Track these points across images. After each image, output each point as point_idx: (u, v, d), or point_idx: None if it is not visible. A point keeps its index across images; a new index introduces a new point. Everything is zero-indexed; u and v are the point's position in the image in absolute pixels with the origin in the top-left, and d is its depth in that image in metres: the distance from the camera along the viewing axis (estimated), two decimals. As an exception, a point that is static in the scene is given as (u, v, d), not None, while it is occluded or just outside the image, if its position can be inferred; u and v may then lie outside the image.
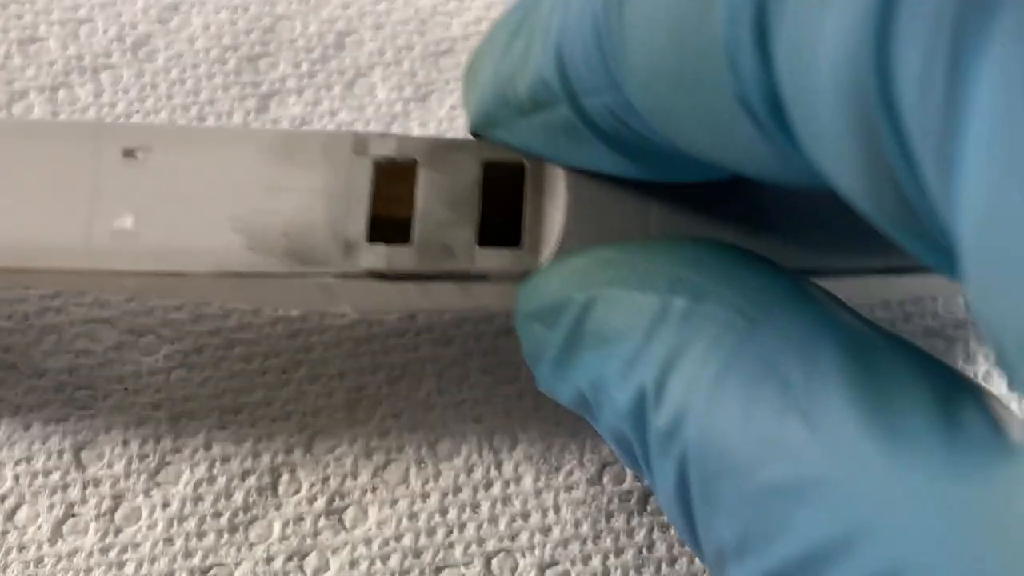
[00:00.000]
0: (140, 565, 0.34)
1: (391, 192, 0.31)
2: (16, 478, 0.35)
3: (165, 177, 0.31)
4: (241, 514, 0.34)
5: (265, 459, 0.35)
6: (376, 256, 0.30)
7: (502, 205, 0.31)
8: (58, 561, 0.34)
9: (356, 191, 0.30)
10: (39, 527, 0.34)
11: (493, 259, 0.30)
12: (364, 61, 0.41)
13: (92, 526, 0.34)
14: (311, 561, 0.34)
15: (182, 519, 0.34)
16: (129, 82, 0.41)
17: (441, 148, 0.31)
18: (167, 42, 0.41)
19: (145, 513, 0.35)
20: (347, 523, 0.34)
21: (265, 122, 0.40)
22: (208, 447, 0.35)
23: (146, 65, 0.41)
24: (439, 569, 0.34)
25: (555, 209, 0.30)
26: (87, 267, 0.30)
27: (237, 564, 0.34)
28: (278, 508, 0.34)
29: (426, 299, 0.32)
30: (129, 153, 0.31)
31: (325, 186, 0.30)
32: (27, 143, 0.32)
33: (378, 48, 0.41)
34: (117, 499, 0.35)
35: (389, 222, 0.31)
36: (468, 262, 0.30)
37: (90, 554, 0.34)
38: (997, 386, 0.34)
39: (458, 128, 0.39)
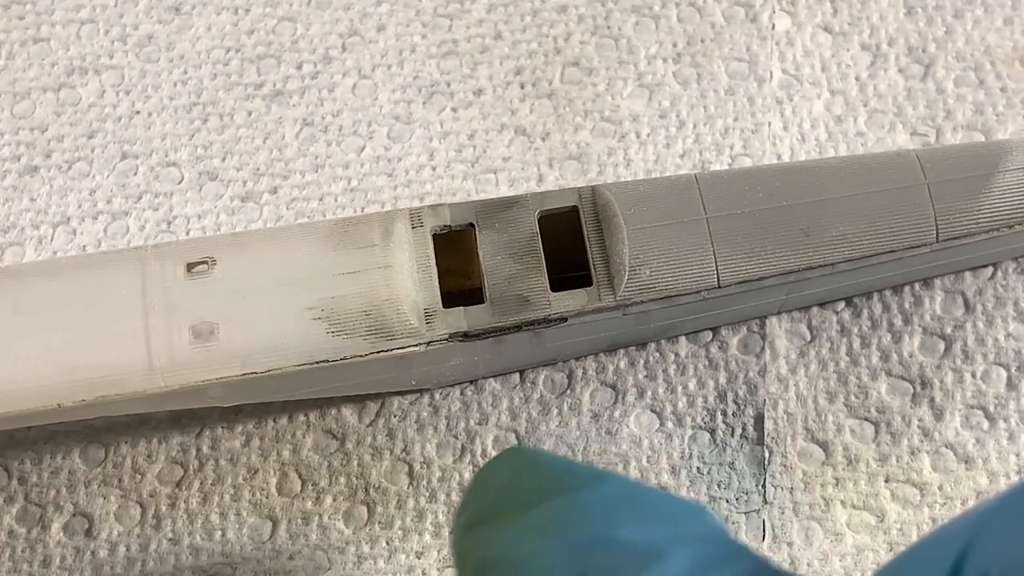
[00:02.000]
0: (145, 564, 0.34)
1: (449, 266, 0.33)
2: (21, 479, 0.35)
3: (234, 283, 0.31)
4: (245, 513, 0.34)
5: (271, 459, 0.35)
6: (456, 319, 0.31)
7: (563, 250, 0.33)
8: (63, 560, 0.34)
9: (422, 262, 0.32)
10: (43, 527, 0.35)
11: (568, 301, 0.32)
12: (366, 62, 0.41)
13: (97, 526, 0.35)
14: (312, 560, 0.34)
15: (189, 519, 0.34)
16: (131, 83, 0.41)
17: (493, 207, 0.33)
18: (169, 43, 0.42)
19: (150, 513, 0.35)
20: (351, 522, 0.34)
21: (267, 122, 0.40)
22: (214, 447, 0.35)
23: (148, 66, 0.41)
24: (440, 570, 0.34)
25: (618, 243, 0.32)
26: (175, 384, 0.30)
27: (239, 564, 0.34)
28: (282, 508, 0.34)
29: (497, 354, 0.33)
30: (193, 267, 0.31)
31: (391, 263, 0.31)
32: (82, 276, 0.31)
33: (380, 50, 0.41)
34: (123, 498, 0.35)
35: (453, 296, 0.32)
36: (545, 308, 0.32)
37: (94, 553, 0.34)
38: (996, 384, 0.35)
39: (459, 128, 0.39)
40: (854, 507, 0.34)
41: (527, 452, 0.26)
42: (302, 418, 0.36)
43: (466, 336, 0.31)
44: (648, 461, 0.34)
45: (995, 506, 0.20)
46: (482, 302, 0.31)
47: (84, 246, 0.38)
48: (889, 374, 0.35)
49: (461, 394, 0.36)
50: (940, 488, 0.34)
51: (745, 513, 0.34)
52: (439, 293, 0.31)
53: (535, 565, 0.22)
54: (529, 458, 0.25)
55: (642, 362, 0.36)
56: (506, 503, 0.24)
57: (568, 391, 0.36)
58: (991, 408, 0.34)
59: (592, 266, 0.32)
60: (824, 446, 0.34)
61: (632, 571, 0.21)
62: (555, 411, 0.35)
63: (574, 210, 0.32)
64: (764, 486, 0.34)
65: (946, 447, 0.34)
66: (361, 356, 0.31)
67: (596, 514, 0.23)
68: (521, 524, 0.23)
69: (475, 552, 0.24)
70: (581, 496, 0.23)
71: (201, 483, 0.35)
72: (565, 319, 0.32)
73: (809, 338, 0.36)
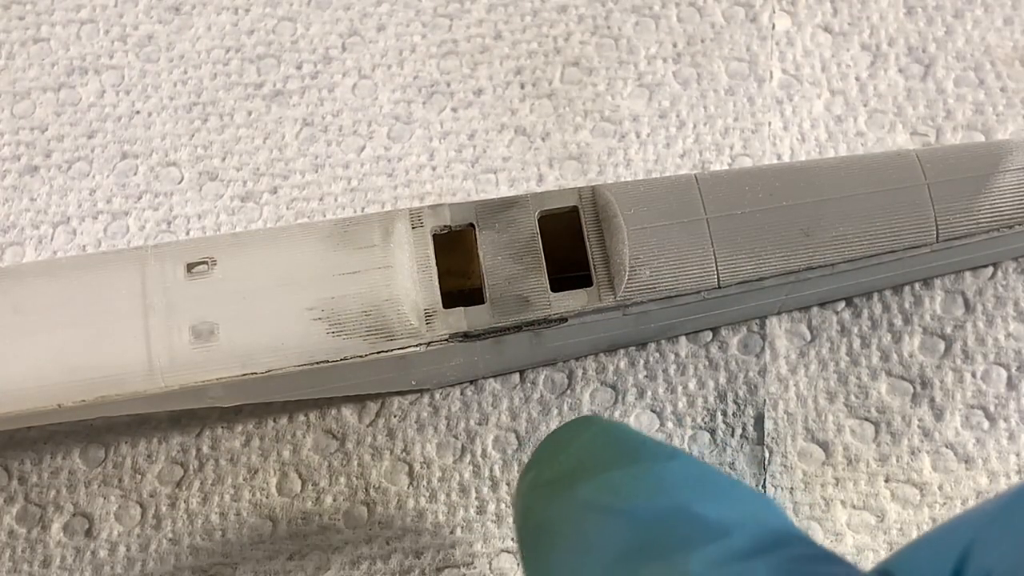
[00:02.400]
0: (145, 564, 0.34)
1: (449, 266, 0.33)
2: (21, 479, 0.35)
3: (234, 283, 0.31)
4: (245, 513, 0.34)
5: (271, 459, 0.35)
6: (456, 319, 0.31)
7: (563, 250, 0.33)
8: (63, 560, 0.34)
9: (422, 263, 0.32)
10: (43, 527, 0.35)
11: (568, 301, 0.32)
12: (366, 62, 0.41)
13: (96, 526, 0.35)
14: (312, 560, 0.34)
15: (189, 519, 0.34)
16: (131, 83, 0.41)
17: (493, 207, 0.33)
18: (169, 43, 0.42)
19: (150, 513, 0.35)
20: (351, 522, 0.34)
21: (267, 122, 0.40)
22: (214, 447, 0.35)
23: (148, 66, 0.41)
24: (439, 569, 0.34)
25: (618, 243, 0.32)
26: (175, 385, 0.30)
27: (239, 564, 0.34)
28: (282, 508, 0.34)
29: (497, 354, 0.33)
30: (193, 267, 0.31)
31: (391, 263, 0.31)
32: (82, 276, 0.31)
33: (380, 50, 0.41)
34: (123, 498, 0.35)
35: (453, 296, 0.32)
36: (545, 308, 0.32)
37: (94, 553, 0.34)
38: (996, 384, 0.35)
39: (459, 128, 0.39)
40: (854, 507, 0.34)
41: (602, 421, 0.26)
42: (302, 418, 0.36)
43: (466, 336, 0.31)
44: (648, 461, 0.34)
45: (999, 506, 0.20)
46: (482, 302, 0.31)
47: (84, 246, 0.38)
48: (889, 374, 0.35)
49: (461, 394, 0.36)
50: (940, 488, 0.34)
51: (745, 513, 0.34)
52: (439, 293, 0.31)
53: (597, 526, 0.22)
54: (604, 427, 0.26)
55: (642, 362, 0.36)
56: (576, 467, 0.24)
57: (568, 391, 0.36)
58: (991, 408, 0.34)
59: (592, 266, 0.32)
60: (824, 446, 0.34)
61: (699, 542, 0.21)
62: (555, 411, 0.35)
63: (574, 210, 0.32)
64: (764, 486, 0.34)
65: (946, 447, 0.34)
66: (361, 356, 0.31)
67: (668, 487, 0.23)
68: (589, 489, 0.23)
69: (537, 511, 0.24)
70: (654, 468, 0.23)
71: (201, 483, 0.35)
72: (565, 319, 0.32)
73: (809, 338, 0.36)
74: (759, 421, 0.35)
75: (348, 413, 0.35)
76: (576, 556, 0.22)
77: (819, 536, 0.33)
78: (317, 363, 0.31)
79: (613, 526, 0.22)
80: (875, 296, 0.36)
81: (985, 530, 0.20)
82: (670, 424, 0.35)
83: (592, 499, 0.23)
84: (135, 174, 0.39)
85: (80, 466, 0.35)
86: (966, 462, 0.34)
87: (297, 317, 0.31)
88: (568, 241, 0.32)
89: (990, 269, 0.36)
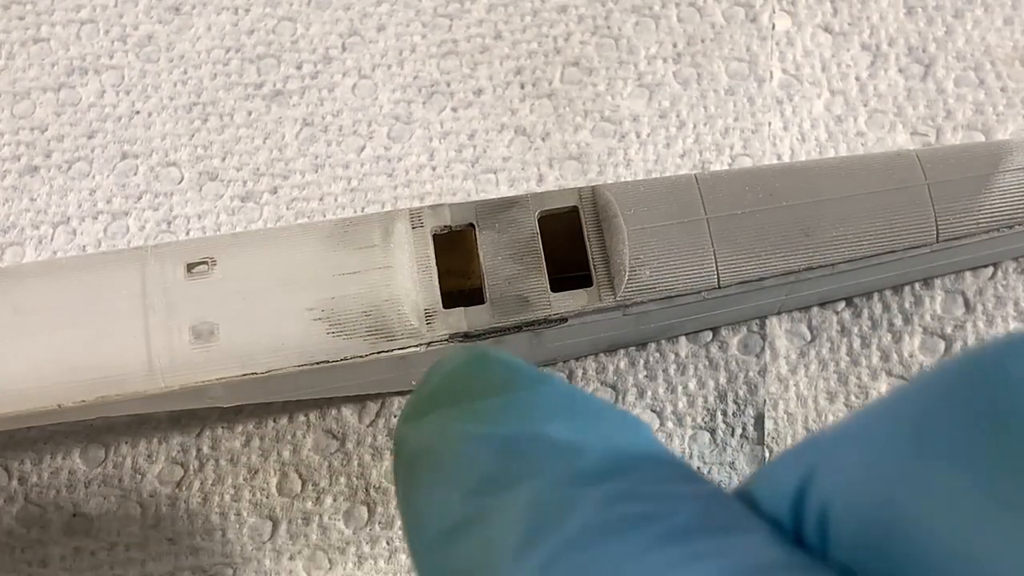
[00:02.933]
0: (144, 564, 0.34)
1: (449, 266, 0.33)
2: (21, 479, 0.35)
3: (234, 283, 0.31)
4: (245, 513, 0.34)
5: (271, 459, 0.35)
6: (456, 319, 0.31)
7: (563, 250, 0.33)
8: (62, 560, 0.34)
9: (422, 263, 0.32)
10: (43, 527, 0.35)
11: (568, 302, 0.32)
12: (366, 62, 0.41)
13: (95, 525, 0.35)
14: (313, 560, 0.34)
15: (189, 519, 0.34)
16: (131, 83, 0.41)
17: (494, 207, 0.33)
18: (169, 43, 0.42)
19: (150, 513, 0.35)
20: (352, 522, 0.34)
21: (267, 122, 0.40)
22: (214, 447, 0.35)
23: (148, 66, 0.41)
24: (441, 568, 0.34)
25: (618, 243, 0.32)
26: (175, 385, 0.30)
27: (239, 564, 0.34)
28: (283, 508, 0.34)
29: None
30: (193, 267, 0.31)
31: (391, 263, 0.31)
32: (82, 277, 0.31)
33: (380, 50, 0.41)
34: (122, 498, 0.35)
35: (453, 296, 0.32)
36: (545, 308, 0.32)
37: (93, 553, 0.34)
38: (996, 386, 0.35)
39: (459, 128, 0.39)
40: (854, 507, 0.34)
41: (479, 352, 0.26)
42: (302, 418, 0.36)
43: (466, 336, 0.31)
44: (648, 461, 0.34)
45: (845, 426, 0.20)
46: (482, 302, 0.31)
47: (84, 246, 0.38)
48: (889, 374, 0.35)
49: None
50: (940, 488, 0.34)
51: (745, 513, 0.34)
52: (439, 293, 0.31)
53: (461, 455, 0.23)
54: (481, 357, 0.25)
55: (642, 362, 0.36)
56: (447, 397, 0.24)
57: (568, 391, 0.35)
58: (991, 408, 0.34)
59: (592, 266, 0.32)
60: (824, 446, 0.34)
61: (544, 468, 0.21)
62: (555, 411, 0.35)
63: (574, 210, 0.33)
64: (764, 486, 0.34)
65: (946, 447, 0.34)
66: (361, 357, 0.31)
67: (533, 413, 0.23)
68: (456, 417, 0.23)
69: (408, 441, 0.24)
70: (519, 396, 0.23)
71: (201, 483, 0.35)
72: (565, 319, 0.32)
73: (809, 338, 0.36)
74: (759, 421, 0.35)
75: (348, 413, 0.35)
76: (440, 486, 0.23)
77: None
78: (317, 363, 0.31)
79: (476, 453, 0.22)
80: (875, 296, 0.36)
81: (829, 452, 0.19)
82: (670, 424, 0.35)
83: (460, 428, 0.23)
84: (135, 174, 0.39)
85: (80, 466, 0.35)
86: (966, 462, 0.34)
87: (297, 317, 0.31)
88: (568, 241, 0.32)
89: (990, 269, 0.36)
